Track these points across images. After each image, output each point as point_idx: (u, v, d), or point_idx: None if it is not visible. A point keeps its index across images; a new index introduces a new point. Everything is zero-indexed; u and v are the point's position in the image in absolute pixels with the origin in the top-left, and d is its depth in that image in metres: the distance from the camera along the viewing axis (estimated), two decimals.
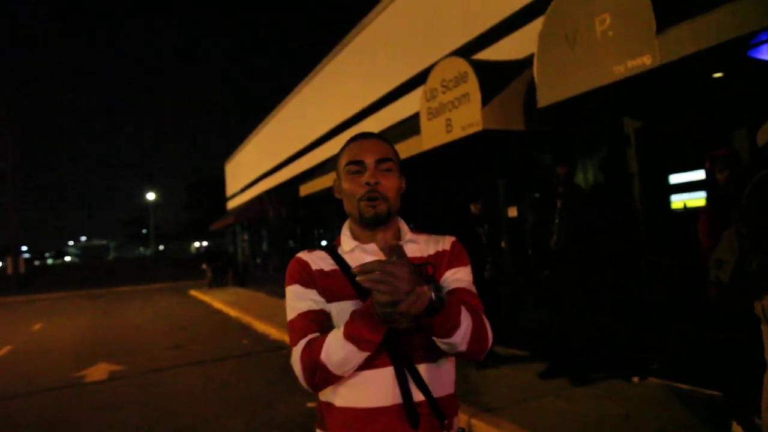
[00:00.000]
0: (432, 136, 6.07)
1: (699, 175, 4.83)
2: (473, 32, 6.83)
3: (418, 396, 1.38)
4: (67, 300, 21.62)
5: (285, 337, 8.81)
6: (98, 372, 7.41)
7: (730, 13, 3.28)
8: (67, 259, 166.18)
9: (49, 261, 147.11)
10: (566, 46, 4.31)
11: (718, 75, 4.61)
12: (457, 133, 5.64)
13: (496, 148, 6.52)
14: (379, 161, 1.46)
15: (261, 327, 10.34)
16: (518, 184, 6.80)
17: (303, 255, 1.55)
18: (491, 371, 5.41)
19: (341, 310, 1.41)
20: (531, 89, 5.34)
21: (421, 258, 1.51)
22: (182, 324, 11.90)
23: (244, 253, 22.69)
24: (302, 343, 1.40)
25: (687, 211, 4.95)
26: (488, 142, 6.23)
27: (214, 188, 35.60)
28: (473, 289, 1.53)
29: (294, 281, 1.50)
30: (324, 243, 1.68)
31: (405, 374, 1.37)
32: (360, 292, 1.40)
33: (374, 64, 9.90)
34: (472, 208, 5.84)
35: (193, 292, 19.84)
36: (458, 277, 1.53)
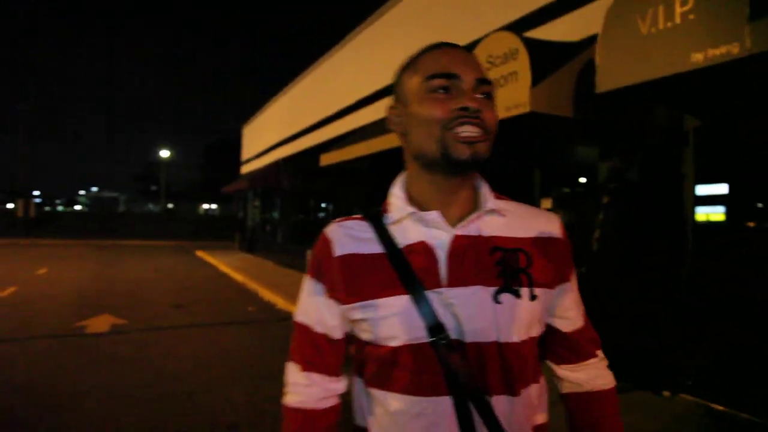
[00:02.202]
0: None
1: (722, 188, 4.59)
2: (526, 8, 6.43)
3: None
4: (74, 248, 21.59)
5: (292, 308, 8.58)
6: (100, 324, 7.22)
7: None
8: (77, 208, 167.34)
9: (60, 208, 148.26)
10: (637, 27, 3.93)
11: None
12: (501, 114, 5.26)
13: (536, 135, 6.16)
14: (480, 81, 0.98)
15: (267, 295, 10.11)
16: (556, 175, 6.46)
17: (331, 229, 1.08)
18: None
19: (379, 310, 0.98)
20: (584, 74, 4.98)
21: (508, 240, 1.02)
22: (186, 284, 11.72)
23: (254, 219, 22.48)
24: (296, 388, 1.08)
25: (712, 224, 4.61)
26: (529, 128, 5.88)
27: (230, 151, 35.41)
28: (583, 309, 1.16)
29: (309, 270, 1.10)
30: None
31: (469, 409, 0.94)
32: (409, 284, 0.96)
33: (412, 34, 9.50)
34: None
35: (200, 253, 19.69)
36: (578, 298, 1.13)
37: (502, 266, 0.98)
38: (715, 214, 4.75)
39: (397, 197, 1.06)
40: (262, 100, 21.03)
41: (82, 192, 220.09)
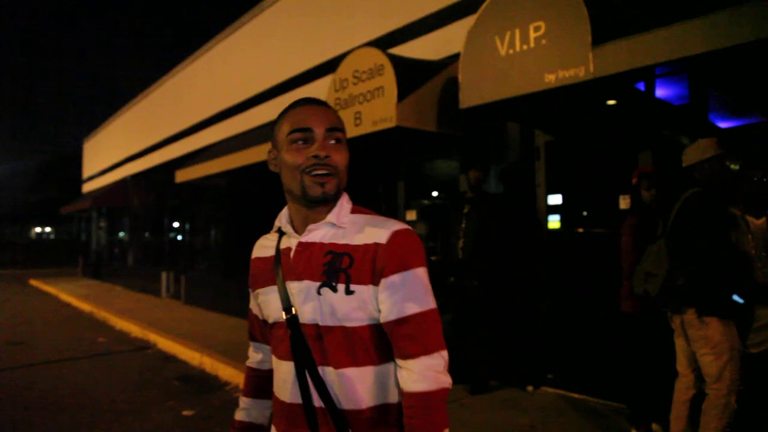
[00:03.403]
0: None
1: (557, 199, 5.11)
2: (389, 26, 6.62)
3: (318, 401, 1.25)
4: None
5: (149, 335, 7.97)
6: None
7: (675, 34, 3.33)
8: None
9: None
10: (496, 48, 4.21)
11: (612, 102, 4.81)
12: (367, 128, 5.36)
13: (401, 148, 6.34)
14: (329, 130, 1.28)
15: (119, 323, 9.30)
16: (420, 188, 6.69)
17: (259, 240, 1.49)
18: None
19: (262, 296, 1.39)
20: (447, 91, 5.24)
21: (339, 246, 1.29)
22: (23, 318, 10.41)
23: (100, 242, 20.66)
24: (249, 353, 1.57)
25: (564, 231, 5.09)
26: (395, 142, 6.04)
27: (67, 168, 32.32)
28: (419, 306, 1.25)
29: None
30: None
31: (305, 374, 1.26)
32: (276, 277, 1.34)
33: (275, 46, 9.36)
34: (383, 206, 5.68)
35: (36, 282, 17.67)
36: (401, 296, 1.24)
37: (327, 266, 1.26)
38: (553, 222, 5.19)
39: (280, 216, 1.40)
40: (107, 112, 19.49)
41: None
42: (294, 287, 1.29)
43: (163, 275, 12.12)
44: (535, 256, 5.04)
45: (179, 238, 13.92)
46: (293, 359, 1.27)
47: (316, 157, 1.25)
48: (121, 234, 18.49)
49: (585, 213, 5.14)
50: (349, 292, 1.23)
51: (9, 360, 6.75)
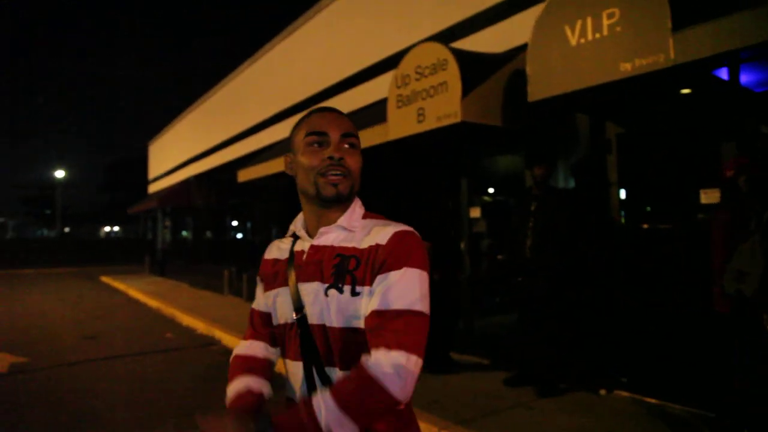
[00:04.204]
0: (401, 125, 5.68)
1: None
2: (451, 19, 6.51)
3: None
4: None
5: (214, 332, 8.15)
6: None
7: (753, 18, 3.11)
8: None
9: None
10: (566, 38, 4.05)
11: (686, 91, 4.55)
12: (431, 124, 5.28)
13: (464, 144, 6.22)
14: (344, 135, 1.33)
15: (185, 320, 9.57)
16: (483, 184, 6.56)
17: (272, 243, 1.54)
18: (451, 378, 5.10)
19: (274, 296, 1.41)
20: (513, 84, 5.10)
21: (348, 249, 1.31)
22: (96, 313, 10.87)
23: (165, 240, 21.40)
24: (240, 346, 1.52)
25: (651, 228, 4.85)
26: (456, 139, 5.93)
27: (134, 170, 33.66)
28: (404, 304, 1.18)
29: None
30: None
31: (312, 374, 1.28)
32: (288, 279, 1.37)
33: (335, 45, 9.41)
34: (446, 204, 5.60)
35: (106, 279, 18.46)
36: (387, 289, 1.19)
37: (335, 268, 1.28)
38: (628, 217, 4.98)
39: (295, 221, 1.44)
40: (170, 115, 20.16)
41: None
42: (305, 289, 1.32)
43: (226, 273, 12.41)
44: (608, 254, 4.83)
45: (240, 236, 14.22)
46: (302, 359, 1.30)
47: (330, 158, 1.29)
48: (185, 233, 19.09)
49: (661, 207, 4.90)
50: (354, 293, 1.24)
51: (84, 353, 7.04)
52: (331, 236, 1.34)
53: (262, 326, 1.50)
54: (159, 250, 21.07)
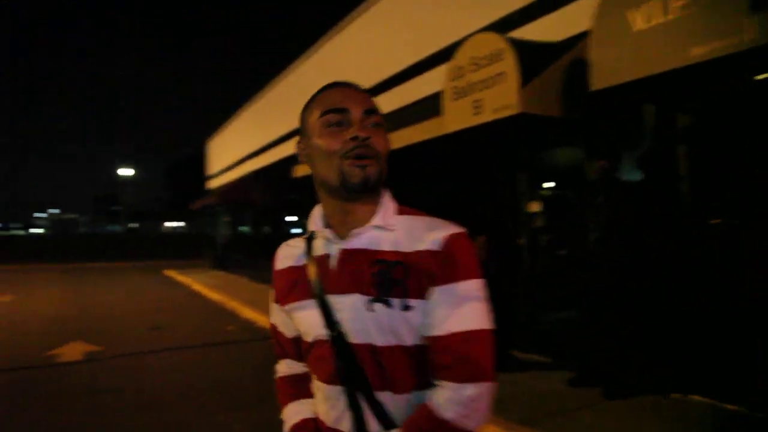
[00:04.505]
0: (457, 118, 5.60)
1: None
2: (505, 9, 6.36)
3: (376, 429, 1.09)
4: (37, 272, 20.72)
5: None
6: (72, 352, 6.83)
7: None
8: (35, 230, 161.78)
9: (17, 232, 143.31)
10: (631, 23, 3.87)
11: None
12: (488, 116, 5.17)
13: (521, 137, 6.08)
14: (367, 112, 1.14)
15: (246, 313, 9.80)
16: (541, 177, 6.39)
17: (280, 247, 1.35)
18: (513, 377, 5.00)
19: (297, 312, 1.22)
20: (572, 73, 4.92)
21: (390, 254, 1.12)
22: (160, 305, 11.29)
23: (224, 235, 21.99)
24: (280, 366, 1.41)
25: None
26: (513, 131, 5.80)
27: (193, 167, 34.71)
28: (471, 324, 1.07)
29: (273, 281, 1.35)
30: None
31: (357, 400, 1.11)
32: (314, 290, 1.17)
33: (389, 38, 9.39)
34: (500, 199, 5.51)
35: (170, 273, 19.14)
36: (449, 307, 1.07)
37: (378, 277, 1.09)
38: (703, 212, 4.72)
39: (312, 218, 1.24)
40: (226, 114, 20.65)
41: (39, 215, 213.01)
42: (339, 302, 1.13)
43: None
44: (673, 247, 4.61)
45: (298, 231, 14.44)
46: (342, 383, 1.12)
47: (354, 139, 1.09)
48: (244, 228, 19.53)
49: (733, 202, 4.63)
50: (405, 307, 1.07)
51: (150, 344, 7.32)
52: (365, 237, 1.15)
53: (289, 344, 1.34)
54: (219, 245, 21.66)
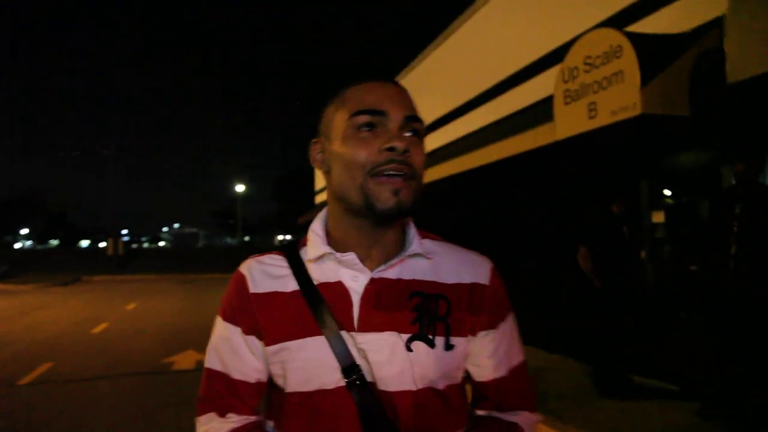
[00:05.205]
0: (570, 122, 5.23)
1: None
2: (622, 2, 5.89)
3: None
4: (159, 283, 22.32)
5: None
6: (186, 360, 7.14)
7: None
8: (161, 244, 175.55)
9: (145, 245, 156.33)
10: None
11: None
12: (605, 119, 4.77)
13: (644, 139, 5.58)
14: (409, 119, 0.92)
15: None
16: (666, 184, 5.83)
17: (246, 265, 1.03)
18: (632, 405, 4.55)
19: (293, 353, 0.93)
20: (702, 67, 4.43)
21: (430, 285, 0.97)
22: None
23: None
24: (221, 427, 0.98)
25: None
26: (634, 134, 5.33)
27: (300, 181, 36.00)
28: (519, 359, 1.06)
29: (222, 312, 1.03)
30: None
31: None
32: (324, 325, 0.92)
33: (489, 46, 9.12)
34: (614, 208, 5.09)
35: None
36: (504, 347, 1.03)
37: (418, 312, 0.94)
38: None
39: (316, 234, 1.00)
40: None
41: (165, 229, 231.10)
42: (369, 341, 0.92)
43: None
44: None
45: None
46: None
47: (391, 150, 0.88)
48: None
49: None
50: (449, 346, 0.95)
51: None
52: (400, 266, 0.97)
53: (252, 396, 1.01)
54: None
